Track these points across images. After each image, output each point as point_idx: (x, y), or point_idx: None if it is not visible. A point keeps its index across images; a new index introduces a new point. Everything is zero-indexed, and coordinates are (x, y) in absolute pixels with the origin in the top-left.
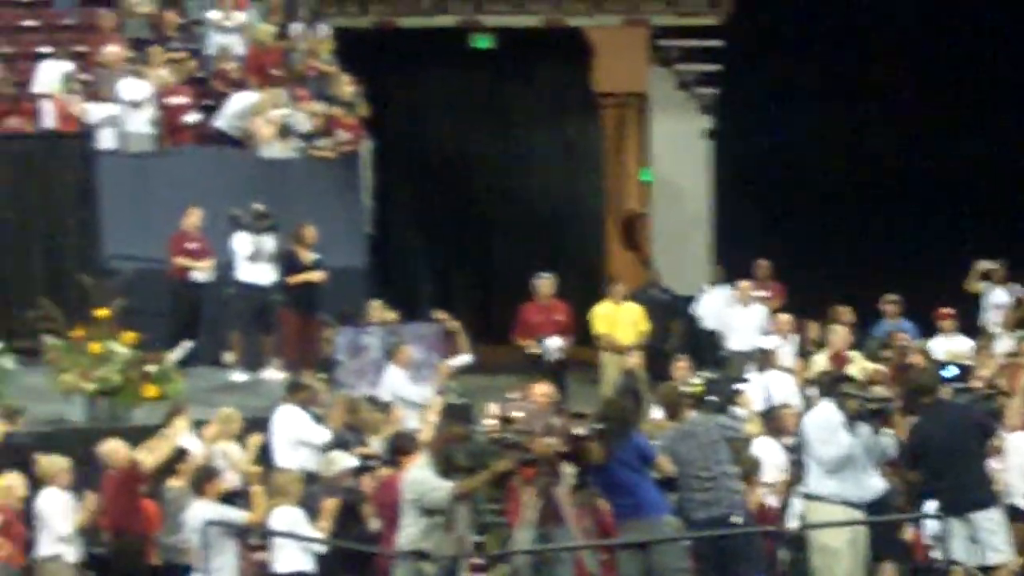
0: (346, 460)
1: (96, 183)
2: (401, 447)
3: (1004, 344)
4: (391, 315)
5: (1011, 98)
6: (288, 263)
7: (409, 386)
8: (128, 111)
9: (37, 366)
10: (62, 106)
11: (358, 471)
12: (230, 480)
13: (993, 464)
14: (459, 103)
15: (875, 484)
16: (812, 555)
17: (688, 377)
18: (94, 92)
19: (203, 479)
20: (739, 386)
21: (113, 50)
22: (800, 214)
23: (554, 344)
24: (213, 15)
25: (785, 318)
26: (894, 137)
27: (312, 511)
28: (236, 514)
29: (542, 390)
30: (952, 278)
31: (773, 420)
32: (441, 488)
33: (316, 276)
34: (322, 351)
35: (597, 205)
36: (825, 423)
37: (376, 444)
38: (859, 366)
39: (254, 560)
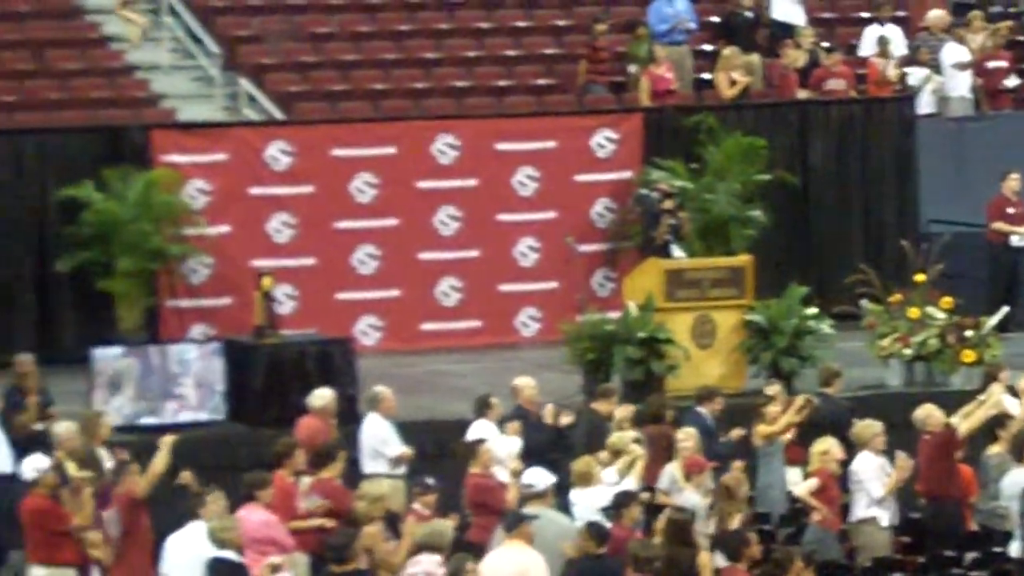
0: None
1: (914, 148)
2: None
3: None
4: None
5: None
6: None
7: None
8: (950, 76)
9: (854, 331)
10: (878, 71)
11: None
12: None
13: None
14: None
15: None
16: None
17: None
18: (911, 57)
19: (1023, 445)
20: None
21: (938, 14)
22: None
23: None
24: None
25: None
26: None
27: None
28: None
29: None
30: None
31: None
32: None
33: None
34: None
35: None
36: None
37: None
38: None
39: None
